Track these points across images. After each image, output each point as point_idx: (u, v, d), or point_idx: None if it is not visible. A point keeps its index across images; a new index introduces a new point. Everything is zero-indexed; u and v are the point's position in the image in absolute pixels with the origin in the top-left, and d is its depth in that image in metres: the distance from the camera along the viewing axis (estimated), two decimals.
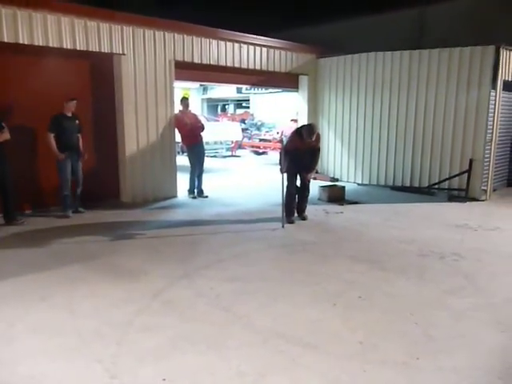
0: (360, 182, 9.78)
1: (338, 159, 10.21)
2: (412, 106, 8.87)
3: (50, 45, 6.24)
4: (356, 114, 9.69)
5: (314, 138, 6.19)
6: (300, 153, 6.26)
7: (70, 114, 6.44)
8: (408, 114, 8.95)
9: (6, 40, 5.84)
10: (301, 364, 2.85)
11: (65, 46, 6.38)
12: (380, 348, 3.04)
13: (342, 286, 4.13)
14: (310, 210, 6.81)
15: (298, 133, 6.31)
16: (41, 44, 6.15)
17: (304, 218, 6.58)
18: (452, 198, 8.18)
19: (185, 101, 8.22)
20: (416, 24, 11.47)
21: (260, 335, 3.20)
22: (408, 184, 9.10)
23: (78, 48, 6.51)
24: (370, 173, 9.65)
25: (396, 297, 3.90)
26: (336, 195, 7.90)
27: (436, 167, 8.73)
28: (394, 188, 9.14)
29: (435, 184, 8.67)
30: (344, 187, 8.22)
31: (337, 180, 9.96)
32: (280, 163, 6.35)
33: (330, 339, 3.16)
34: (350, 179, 9.97)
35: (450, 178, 8.48)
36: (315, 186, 7.77)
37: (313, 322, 3.43)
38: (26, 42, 6.02)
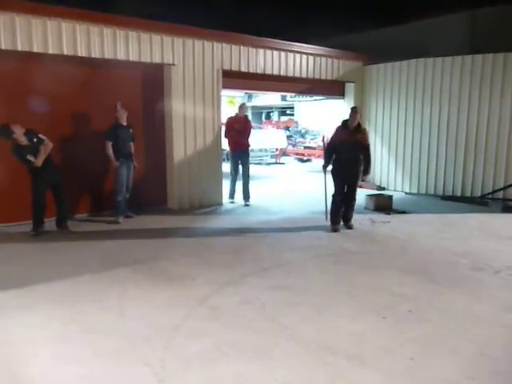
0: (408, 191, 9.52)
1: (385, 167, 9.99)
2: (464, 112, 8.56)
3: (106, 57, 6.52)
4: (404, 121, 9.46)
5: (357, 118, 6.12)
6: (345, 146, 6.11)
7: (125, 124, 6.70)
8: (459, 121, 8.64)
9: (65, 53, 6.16)
10: (348, 378, 2.79)
11: (119, 57, 6.64)
12: (432, 365, 2.93)
13: (390, 298, 4.02)
14: (355, 218, 6.68)
15: (343, 123, 6.26)
16: (97, 56, 6.44)
17: (350, 227, 6.47)
18: (507, 209, 7.78)
19: (242, 105, 8.38)
20: (467, 28, 11.06)
21: (306, 346, 3.16)
22: (459, 193, 8.76)
23: (130, 59, 6.76)
24: (419, 181, 9.37)
25: (448, 311, 3.75)
26: (383, 204, 7.73)
27: (489, 176, 8.37)
28: (445, 197, 8.82)
29: (489, 194, 8.29)
30: (391, 196, 8.02)
31: (383, 189, 9.73)
32: (324, 159, 6.31)
33: (379, 353, 3.07)
34: (398, 188, 9.72)
35: (505, 187, 8.09)
36: (361, 195, 7.63)
37: (360, 334, 3.35)
38: (83, 55, 6.32)
